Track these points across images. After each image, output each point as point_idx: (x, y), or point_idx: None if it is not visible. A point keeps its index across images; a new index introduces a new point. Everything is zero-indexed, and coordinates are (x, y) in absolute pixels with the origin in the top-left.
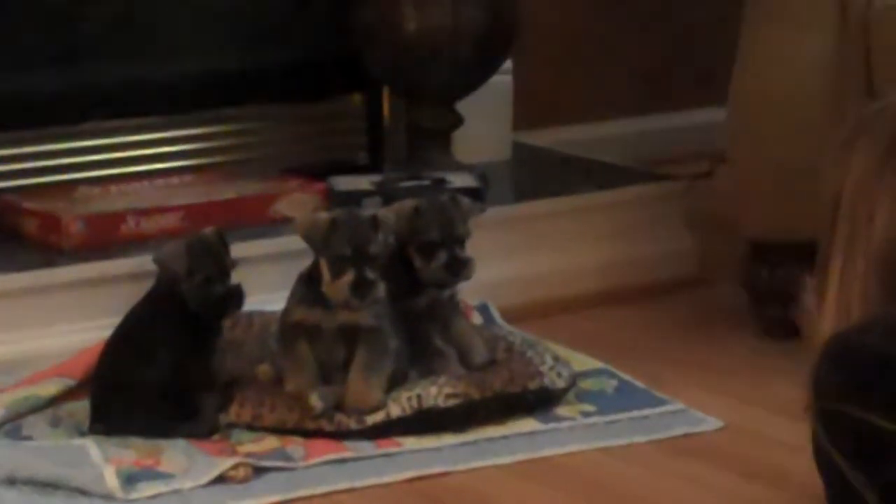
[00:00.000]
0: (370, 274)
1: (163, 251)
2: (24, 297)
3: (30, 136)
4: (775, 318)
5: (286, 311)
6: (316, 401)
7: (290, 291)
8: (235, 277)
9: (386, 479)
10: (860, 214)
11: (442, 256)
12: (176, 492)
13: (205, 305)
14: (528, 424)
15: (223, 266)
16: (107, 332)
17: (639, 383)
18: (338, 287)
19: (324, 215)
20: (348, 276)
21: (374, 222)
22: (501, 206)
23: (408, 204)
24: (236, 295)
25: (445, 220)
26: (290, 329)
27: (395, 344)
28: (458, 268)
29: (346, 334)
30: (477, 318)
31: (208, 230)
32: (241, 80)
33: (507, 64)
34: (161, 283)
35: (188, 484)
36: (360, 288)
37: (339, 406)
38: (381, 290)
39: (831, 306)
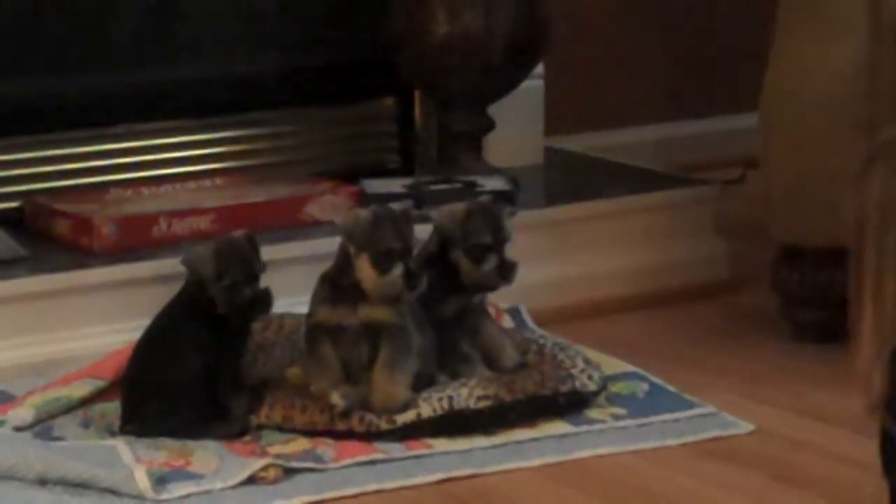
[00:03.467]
0: (414, 266)
1: (191, 254)
2: (56, 299)
3: (62, 139)
4: (806, 322)
5: (310, 313)
6: (337, 399)
7: (313, 293)
8: (266, 280)
9: (415, 480)
10: (887, 243)
11: (493, 260)
12: (206, 492)
13: (232, 309)
14: (558, 427)
15: (252, 270)
16: (137, 334)
17: (670, 387)
18: (389, 281)
19: (364, 211)
20: (399, 269)
21: (408, 216)
22: (533, 210)
23: (459, 207)
24: (264, 299)
25: (495, 224)
26: (313, 330)
27: (418, 342)
28: (508, 271)
29: (369, 333)
30: (508, 322)
31: (238, 233)
32: (274, 83)
33: (539, 68)
34: (189, 285)
35: (218, 485)
36: (412, 279)
37: (366, 406)
38: (424, 281)
39: (868, 332)
